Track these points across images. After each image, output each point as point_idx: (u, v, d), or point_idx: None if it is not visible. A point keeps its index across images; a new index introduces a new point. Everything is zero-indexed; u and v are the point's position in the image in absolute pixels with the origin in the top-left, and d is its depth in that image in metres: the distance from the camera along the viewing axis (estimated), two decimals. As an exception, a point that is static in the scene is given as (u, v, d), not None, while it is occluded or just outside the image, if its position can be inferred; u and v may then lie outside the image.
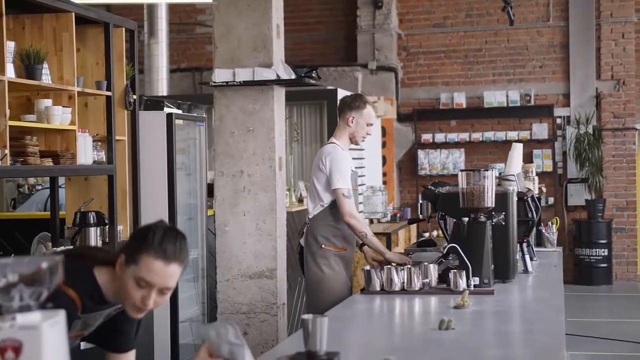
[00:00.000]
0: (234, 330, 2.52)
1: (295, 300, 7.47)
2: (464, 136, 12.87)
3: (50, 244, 5.50)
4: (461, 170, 4.45)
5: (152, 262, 2.55)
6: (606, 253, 12.31)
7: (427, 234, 12.17)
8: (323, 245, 5.21)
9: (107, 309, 2.76)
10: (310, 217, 5.32)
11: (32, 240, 5.74)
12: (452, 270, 4.22)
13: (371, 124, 5.36)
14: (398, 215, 10.99)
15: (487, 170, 4.39)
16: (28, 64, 4.82)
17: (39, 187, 8.52)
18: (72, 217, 5.59)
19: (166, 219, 6.33)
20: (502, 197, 4.50)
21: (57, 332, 1.75)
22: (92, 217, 5.47)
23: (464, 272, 4.20)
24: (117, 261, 2.64)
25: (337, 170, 5.14)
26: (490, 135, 12.81)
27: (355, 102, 5.34)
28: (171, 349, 6.24)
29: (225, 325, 2.52)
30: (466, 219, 4.37)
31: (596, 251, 12.29)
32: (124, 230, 5.90)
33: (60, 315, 1.77)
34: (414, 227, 11.49)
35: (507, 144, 12.62)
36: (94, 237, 5.46)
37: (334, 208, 5.18)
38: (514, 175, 5.12)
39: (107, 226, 5.63)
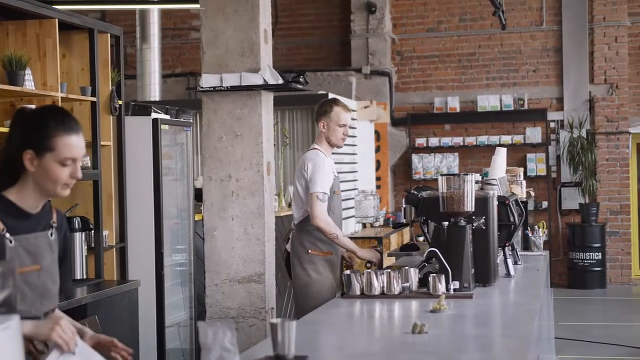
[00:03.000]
0: (231, 336, 2.54)
1: (284, 305, 7.48)
2: (458, 140, 12.88)
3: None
4: (441, 175, 4.46)
5: (67, 140, 2.71)
6: (600, 257, 12.31)
7: (421, 239, 12.16)
8: (310, 250, 5.26)
9: (36, 227, 2.78)
10: (295, 222, 5.38)
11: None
12: (432, 275, 4.22)
13: (344, 125, 5.40)
14: (391, 219, 10.98)
15: (467, 174, 4.40)
16: (10, 70, 4.84)
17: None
18: (57, 223, 5.59)
19: (152, 224, 6.40)
20: (482, 201, 4.51)
21: (10, 336, 1.76)
22: (77, 223, 5.47)
23: (444, 276, 4.21)
24: (21, 163, 2.70)
25: (317, 175, 5.22)
26: (484, 139, 12.82)
27: (323, 107, 5.44)
28: (157, 354, 6.24)
29: (225, 329, 2.54)
30: (446, 223, 4.38)
31: (590, 255, 12.29)
32: (109, 236, 5.91)
33: (13, 321, 1.79)
34: (407, 231, 11.48)
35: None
36: (79, 242, 5.47)
37: None
38: (495, 179, 5.14)
39: (92, 231, 5.64)
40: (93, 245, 5.68)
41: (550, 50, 12.84)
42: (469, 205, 4.36)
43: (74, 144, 2.73)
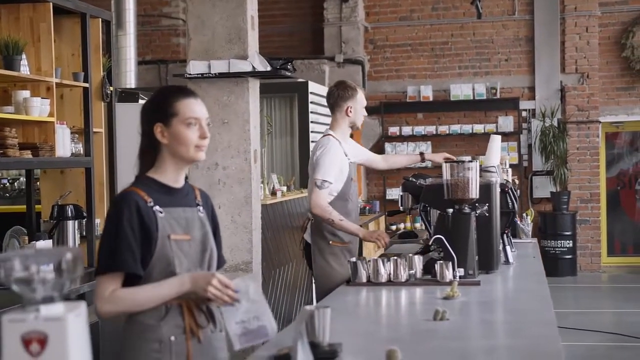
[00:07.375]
0: (255, 287, 2.50)
1: (270, 293, 7.45)
2: (431, 129, 12.93)
3: (26, 237, 5.42)
4: (445, 162, 4.46)
5: (187, 102, 2.88)
6: (571, 244, 12.46)
7: (394, 227, 12.22)
8: (331, 242, 5.16)
9: (182, 202, 2.91)
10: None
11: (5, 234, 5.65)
12: (439, 262, 4.22)
13: (364, 105, 5.46)
14: (367, 208, 11.02)
15: (472, 161, 4.40)
16: (7, 55, 4.74)
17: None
18: (48, 211, 5.50)
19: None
20: (485, 188, 4.52)
21: (81, 322, 1.73)
22: (69, 210, 5.39)
23: (450, 263, 4.21)
24: (156, 141, 2.88)
25: (323, 162, 5.10)
26: (456, 128, 12.88)
27: (348, 91, 5.34)
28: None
29: (246, 282, 2.51)
30: (451, 210, 4.38)
31: (561, 243, 12.42)
32: (101, 224, 5.83)
33: (82, 307, 1.75)
34: (382, 219, 11.53)
35: (473, 136, 12.74)
36: (72, 230, 5.39)
37: (338, 202, 5.12)
38: (494, 166, 5.15)
39: (84, 219, 5.56)
40: (85, 233, 5.58)
41: (522, 39, 12.93)
42: (474, 192, 4.37)
43: (194, 105, 2.89)
